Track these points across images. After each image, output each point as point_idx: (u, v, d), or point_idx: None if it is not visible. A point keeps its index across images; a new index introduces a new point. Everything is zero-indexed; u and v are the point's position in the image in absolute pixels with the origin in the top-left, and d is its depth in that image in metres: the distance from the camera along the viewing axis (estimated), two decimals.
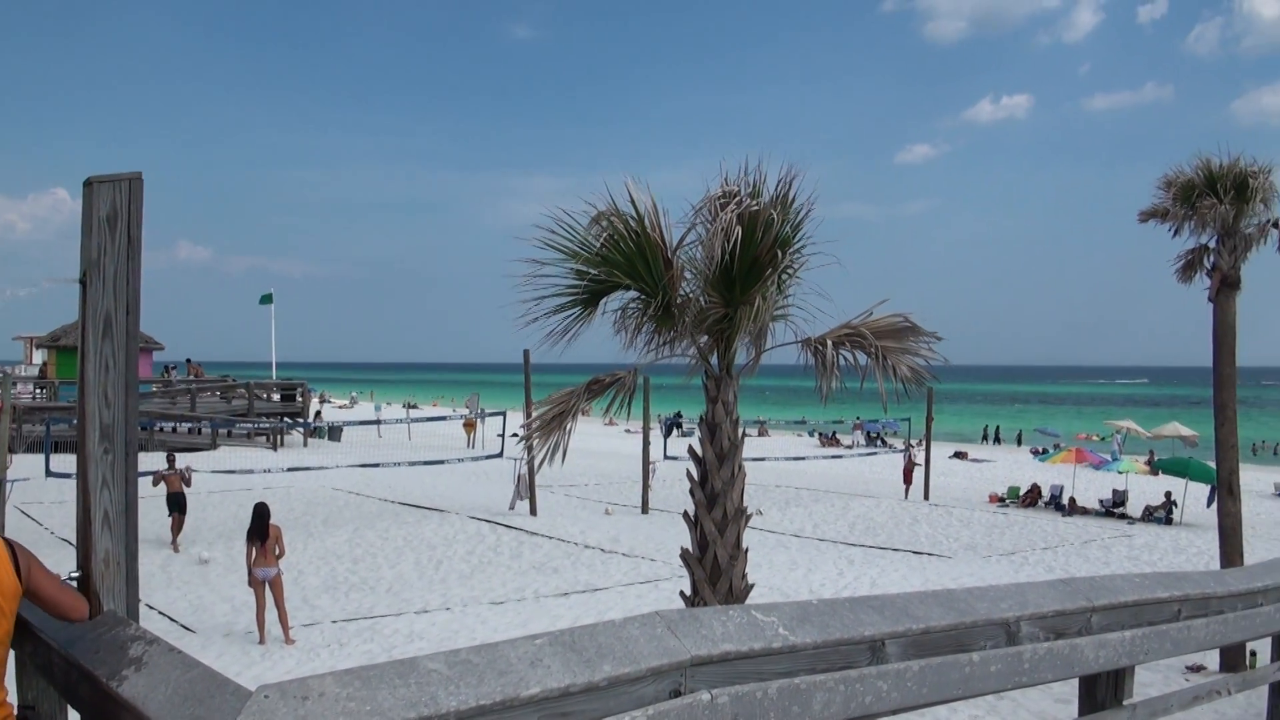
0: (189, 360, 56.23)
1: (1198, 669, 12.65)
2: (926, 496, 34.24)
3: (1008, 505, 34.36)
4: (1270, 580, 6.85)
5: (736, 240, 7.85)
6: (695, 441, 9.06)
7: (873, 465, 48.98)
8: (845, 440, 62.24)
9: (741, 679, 3.41)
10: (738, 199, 8.12)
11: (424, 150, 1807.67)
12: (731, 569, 8.59)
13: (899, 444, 53.23)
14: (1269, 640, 7.42)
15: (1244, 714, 9.83)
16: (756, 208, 8.08)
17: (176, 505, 21.11)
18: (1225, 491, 13.68)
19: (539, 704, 2.82)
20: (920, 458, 36.09)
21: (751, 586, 8.90)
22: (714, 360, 8.84)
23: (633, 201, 8.25)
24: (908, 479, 35.59)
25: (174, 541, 20.74)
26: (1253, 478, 44.40)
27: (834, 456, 52.82)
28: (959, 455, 55.60)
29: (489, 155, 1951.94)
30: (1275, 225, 13.38)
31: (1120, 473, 38.30)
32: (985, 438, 74.18)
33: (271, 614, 14.19)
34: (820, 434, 65.26)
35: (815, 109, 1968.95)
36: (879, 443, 60.60)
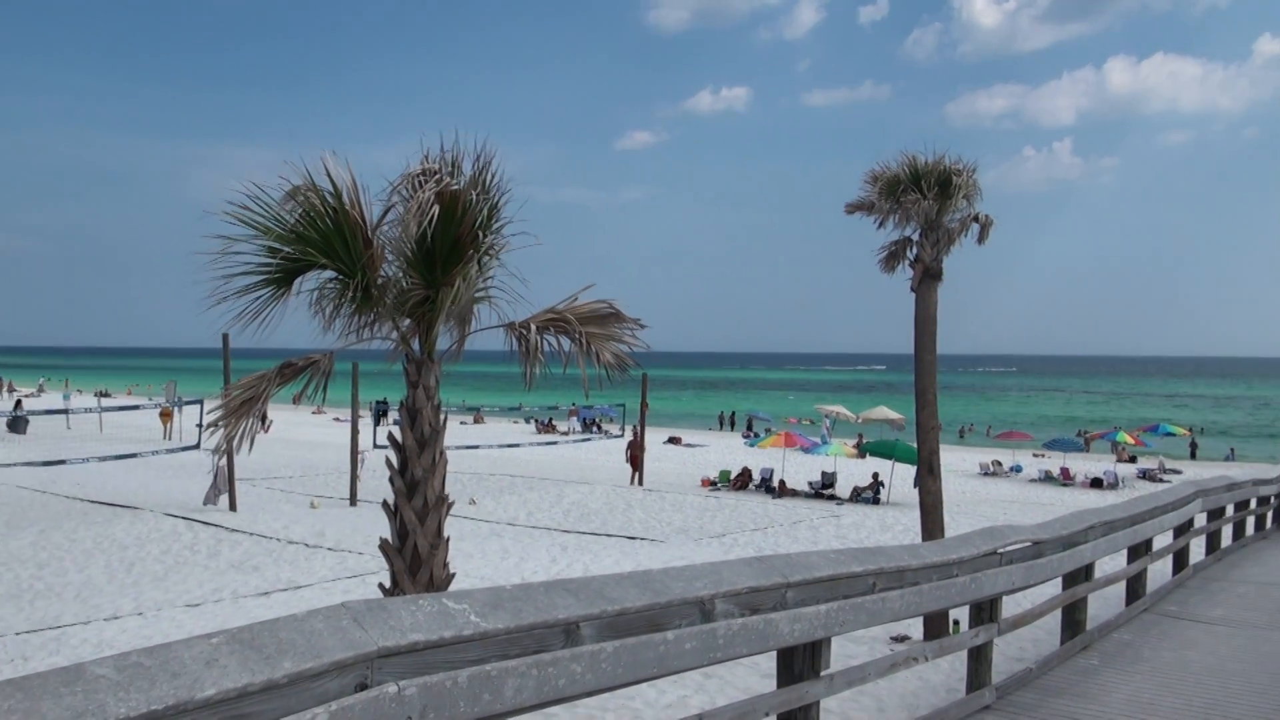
0: None
1: (902, 639, 13.32)
2: (640, 482, 34.90)
3: (719, 489, 35.46)
4: (964, 552, 7.29)
5: (434, 219, 7.69)
6: (395, 428, 8.86)
7: (588, 451, 49.66)
8: (562, 427, 62.89)
9: (431, 669, 3.38)
10: (437, 177, 7.96)
11: (113, 114, 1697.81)
12: (432, 559, 8.44)
13: (615, 430, 54.15)
14: (967, 608, 7.87)
15: (948, 679, 10.42)
16: (456, 187, 7.94)
17: None
18: (925, 471, 14.48)
19: (215, 706, 2.75)
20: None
21: (453, 576, 8.78)
22: (415, 344, 8.67)
23: (330, 177, 7.95)
24: (635, 464, 35.89)
25: None
26: (960, 458, 47.71)
27: (550, 443, 53.24)
28: (673, 440, 57.05)
29: (184, 122, 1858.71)
30: (976, 220, 14.21)
31: (829, 455, 40.10)
32: (722, 423, 76.88)
33: None
34: (536, 421, 65.58)
35: (538, 92, 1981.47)
36: (595, 429, 61.56)
